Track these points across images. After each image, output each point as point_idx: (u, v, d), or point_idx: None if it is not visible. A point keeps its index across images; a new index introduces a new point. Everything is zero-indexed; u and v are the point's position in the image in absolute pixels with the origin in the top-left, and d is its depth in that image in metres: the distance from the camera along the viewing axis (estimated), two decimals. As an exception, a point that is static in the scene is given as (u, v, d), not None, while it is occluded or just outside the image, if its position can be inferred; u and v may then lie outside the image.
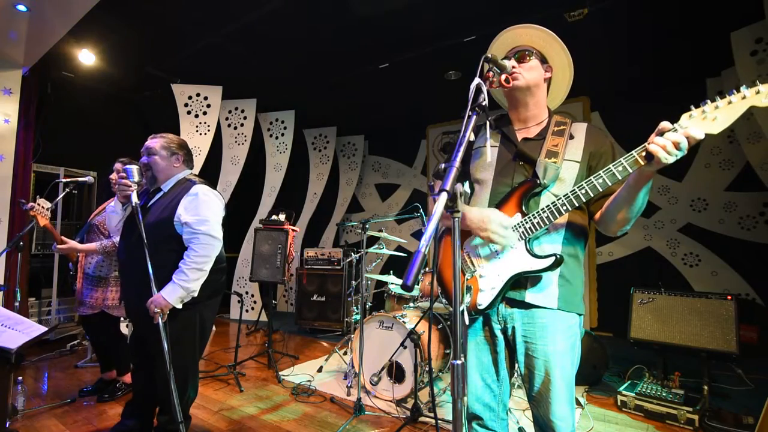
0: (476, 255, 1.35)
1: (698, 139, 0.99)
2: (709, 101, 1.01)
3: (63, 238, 2.71)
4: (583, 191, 1.17)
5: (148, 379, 2.05)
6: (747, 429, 2.34)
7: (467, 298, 1.31)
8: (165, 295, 1.80)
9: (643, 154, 1.06)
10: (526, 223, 1.26)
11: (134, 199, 1.87)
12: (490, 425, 1.38)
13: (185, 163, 2.13)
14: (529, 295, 1.28)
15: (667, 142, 1.00)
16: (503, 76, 1.27)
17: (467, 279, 1.34)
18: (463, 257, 1.37)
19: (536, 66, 1.36)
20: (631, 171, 1.10)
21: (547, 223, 1.23)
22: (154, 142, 2.06)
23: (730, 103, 0.99)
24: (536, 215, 1.24)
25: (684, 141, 0.99)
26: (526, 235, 1.26)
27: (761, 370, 3.28)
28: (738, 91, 0.98)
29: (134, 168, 1.91)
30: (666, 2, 3.02)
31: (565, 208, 1.20)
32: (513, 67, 1.32)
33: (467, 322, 1.33)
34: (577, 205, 1.19)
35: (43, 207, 2.64)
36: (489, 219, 1.26)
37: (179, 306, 1.86)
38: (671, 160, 1.01)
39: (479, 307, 1.30)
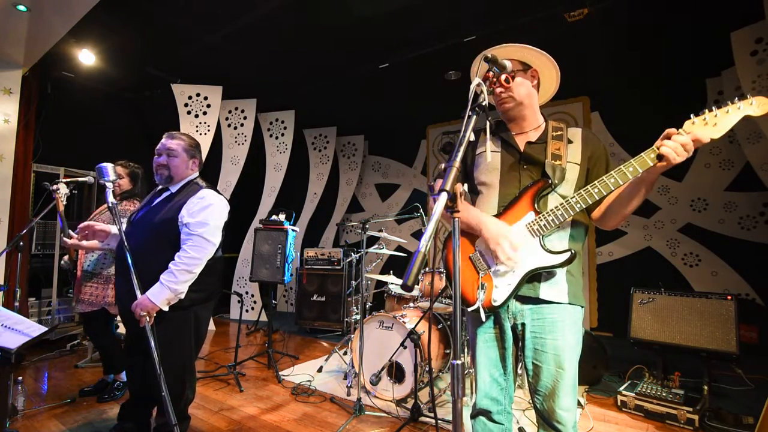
0: (490, 252, 1.36)
1: (704, 141, 1.13)
2: (706, 110, 1.15)
3: (70, 232, 2.72)
4: (596, 189, 1.24)
5: (144, 381, 2.01)
6: (747, 429, 2.34)
7: (481, 296, 1.34)
8: (151, 297, 1.74)
9: (652, 155, 1.17)
10: (541, 220, 1.29)
11: (110, 198, 1.78)
12: (497, 419, 1.40)
13: (199, 166, 2.13)
14: (544, 291, 1.32)
15: (677, 145, 1.12)
16: (503, 76, 1.30)
17: (481, 276, 1.37)
18: (477, 255, 1.40)
19: (522, 81, 1.41)
20: (641, 171, 1.18)
21: (562, 220, 1.28)
22: (177, 144, 2.01)
23: (727, 112, 1.13)
24: (551, 213, 1.28)
25: (691, 143, 1.12)
26: (541, 233, 1.30)
27: (761, 370, 3.27)
28: (733, 102, 1.13)
29: (109, 166, 1.81)
30: (666, 2, 3.02)
31: (579, 205, 1.26)
32: (500, 92, 1.39)
33: (484, 319, 1.35)
34: (590, 202, 1.25)
35: (62, 191, 2.68)
36: (504, 238, 1.28)
37: (166, 308, 1.79)
38: (679, 160, 1.13)
39: (494, 304, 1.33)
